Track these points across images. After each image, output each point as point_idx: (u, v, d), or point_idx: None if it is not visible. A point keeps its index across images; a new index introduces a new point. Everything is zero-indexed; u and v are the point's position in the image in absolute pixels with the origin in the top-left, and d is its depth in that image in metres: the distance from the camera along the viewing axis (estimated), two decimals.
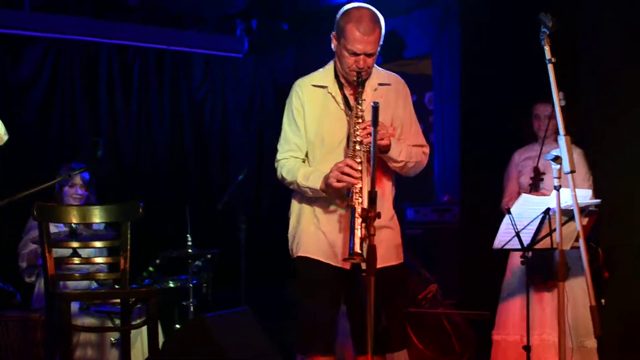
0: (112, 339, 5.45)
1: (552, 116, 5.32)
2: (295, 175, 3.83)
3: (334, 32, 3.82)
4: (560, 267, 3.45)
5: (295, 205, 3.98)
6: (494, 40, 6.52)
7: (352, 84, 3.82)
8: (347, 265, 3.76)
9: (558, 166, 3.57)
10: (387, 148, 3.74)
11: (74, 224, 5.11)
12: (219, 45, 8.25)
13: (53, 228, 5.60)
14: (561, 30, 3.63)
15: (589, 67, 5.73)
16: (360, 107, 3.72)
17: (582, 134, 5.25)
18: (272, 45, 8.58)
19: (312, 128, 3.87)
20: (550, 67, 3.53)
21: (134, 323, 4.91)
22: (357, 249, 3.54)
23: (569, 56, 5.43)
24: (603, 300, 5.05)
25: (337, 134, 3.83)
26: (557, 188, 3.63)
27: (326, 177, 3.70)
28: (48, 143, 7.12)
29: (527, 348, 4.62)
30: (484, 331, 5.54)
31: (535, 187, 5.28)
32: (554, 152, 3.57)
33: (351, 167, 3.61)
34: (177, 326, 6.15)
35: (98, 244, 5.24)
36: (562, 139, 3.46)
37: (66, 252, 5.15)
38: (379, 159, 3.70)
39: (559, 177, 3.60)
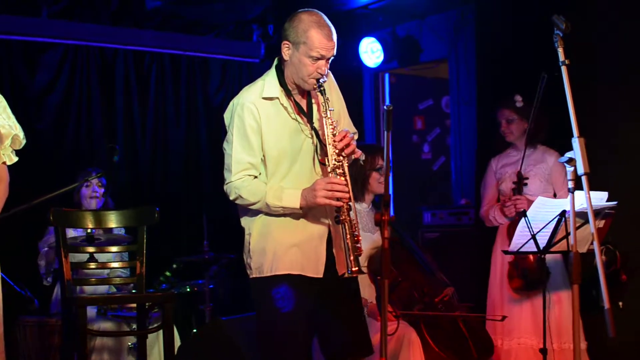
0: (129, 344, 5.47)
1: (511, 120, 5.44)
2: (262, 196, 3.73)
3: (286, 41, 3.74)
4: (574, 269, 3.44)
5: (256, 221, 3.84)
6: (509, 43, 6.52)
7: (303, 91, 3.83)
8: (321, 274, 3.78)
9: (572, 168, 3.55)
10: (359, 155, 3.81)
11: (91, 229, 5.14)
12: (235, 50, 8.23)
13: (73, 233, 5.65)
14: (578, 31, 3.61)
15: (606, 66, 5.72)
16: (330, 117, 3.69)
17: (596, 134, 5.23)
18: None
19: (272, 143, 3.76)
20: (564, 69, 3.50)
21: (150, 328, 4.92)
22: (354, 267, 3.57)
23: (586, 55, 5.42)
24: (620, 304, 5.02)
25: (296, 144, 3.79)
26: (572, 190, 3.61)
27: (307, 195, 3.67)
28: (65, 149, 7.13)
29: (544, 351, 4.59)
30: None
31: (518, 192, 5.28)
32: (568, 155, 3.54)
33: (338, 184, 3.62)
34: (194, 330, 6.18)
35: (114, 248, 5.25)
36: (576, 141, 3.43)
37: (83, 257, 5.18)
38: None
39: (573, 179, 3.58)
